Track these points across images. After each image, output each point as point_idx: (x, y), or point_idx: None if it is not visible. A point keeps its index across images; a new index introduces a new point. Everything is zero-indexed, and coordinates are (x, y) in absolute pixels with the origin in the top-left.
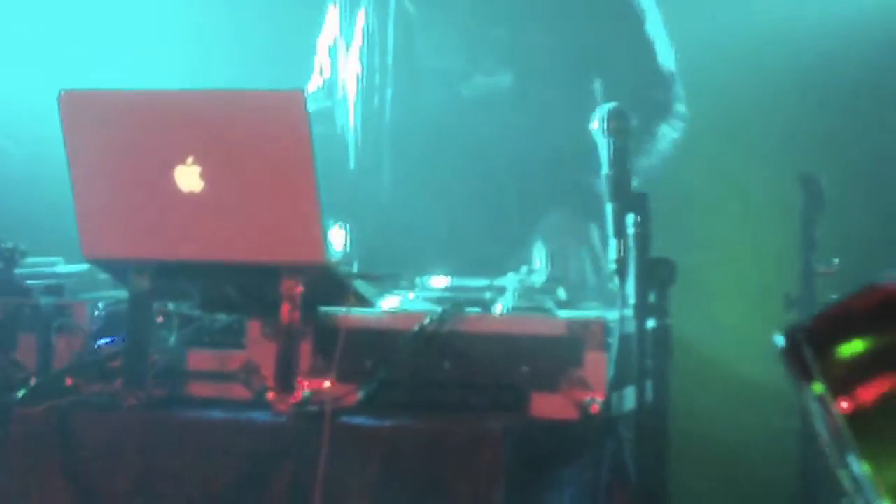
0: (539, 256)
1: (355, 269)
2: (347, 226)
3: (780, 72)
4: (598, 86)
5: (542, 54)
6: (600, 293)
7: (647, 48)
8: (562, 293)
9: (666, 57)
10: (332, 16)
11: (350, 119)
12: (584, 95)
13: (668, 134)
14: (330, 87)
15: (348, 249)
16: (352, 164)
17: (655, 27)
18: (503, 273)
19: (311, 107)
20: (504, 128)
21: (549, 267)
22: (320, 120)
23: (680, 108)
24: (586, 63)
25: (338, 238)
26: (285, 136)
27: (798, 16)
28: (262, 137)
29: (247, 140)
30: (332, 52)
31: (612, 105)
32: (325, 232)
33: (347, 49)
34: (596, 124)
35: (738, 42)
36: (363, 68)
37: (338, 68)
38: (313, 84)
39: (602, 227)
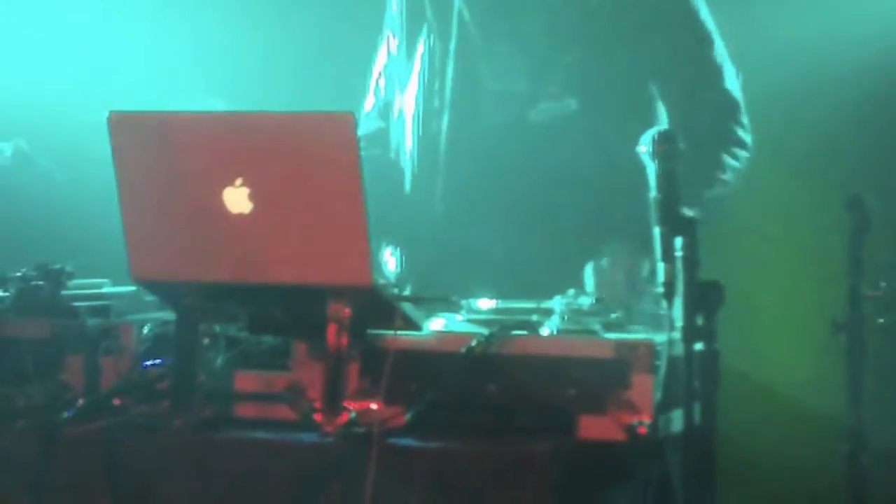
0: (589, 281)
1: (408, 291)
2: (400, 248)
3: (828, 93)
4: (661, 111)
5: (607, 79)
6: (649, 317)
7: (711, 75)
8: (609, 315)
9: (731, 84)
10: (391, 37)
11: (406, 141)
12: (646, 121)
13: (731, 164)
14: (385, 108)
15: (401, 272)
16: (407, 187)
17: (720, 53)
18: (552, 296)
19: (366, 127)
20: (567, 152)
21: (598, 291)
22: (374, 141)
23: (744, 136)
24: (650, 88)
25: (391, 261)
26: (334, 159)
27: (847, 37)
28: (311, 159)
29: (296, 162)
30: (389, 73)
31: (660, 128)
32: (372, 254)
33: (406, 71)
34: (644, 147)
35: (785, 63)
36: (422, 91)
37: (394, 90)
38: (368, 104)
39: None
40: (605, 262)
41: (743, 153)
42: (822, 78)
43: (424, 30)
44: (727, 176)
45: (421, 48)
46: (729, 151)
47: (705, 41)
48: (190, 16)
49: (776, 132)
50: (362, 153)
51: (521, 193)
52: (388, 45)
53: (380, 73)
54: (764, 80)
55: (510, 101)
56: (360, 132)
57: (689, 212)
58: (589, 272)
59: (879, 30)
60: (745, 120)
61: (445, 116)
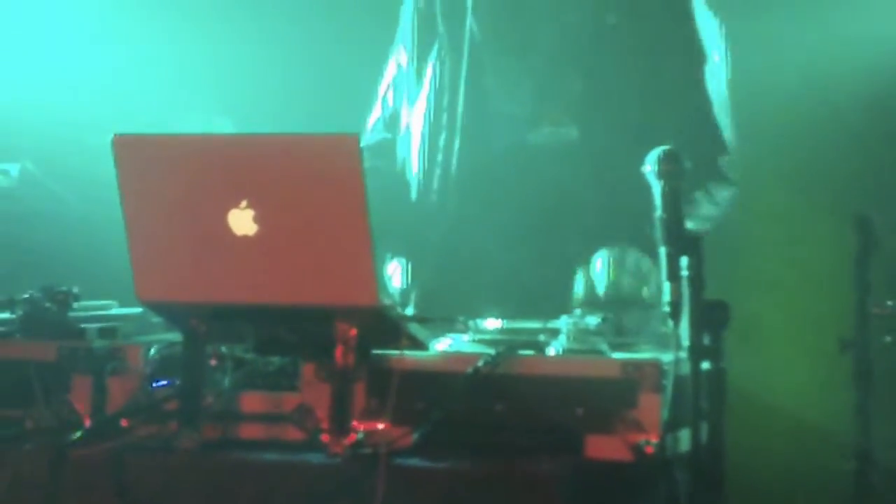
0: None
1: (412, 307)
2: (405, 262)
3: (836, 113)
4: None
5: (610, 108)
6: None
7: (710, 110)
8: (615, 335)
9: (723, 120)
10: (401, 50)
11: (413, 156)
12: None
13: (717, 199)
14: (392, 119)
15: (406, 286)
16: (413, 200)
17: (721, 90)
18: (559, 317)
19: (371, 138)
20: (567, 177)
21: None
22: (379, 152)
23: (730, 174)
24: (652, 121)
25: (395, 274)
26: (339, 180)
27: (855, 57)
28: (315, 181)
29: (300, 184)
30: (397, 85)
31: (664, 148)
32: (378, 275)
33: (415, 85)
34: (649, 167)
35: (793, 83)
36: (432, 107)
37: (402, 102)
38: (374, 116)
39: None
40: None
41: (727, 193)
42: (829, 95)
43: (436, 45)
44: (713, 209)
45: (431, 63)
46: (715, 187)
47: (704, 71)
48: (198, 37)
49: (783, 150)
50: (367, 164)
51: (525, 213)
52: (398, 58)
53: (388, 85)
54: (770, 97)
55: (515, 122)
56: (366, 142)
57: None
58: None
59: (887, 48)
60: (731, 156)
61: (455, 134)
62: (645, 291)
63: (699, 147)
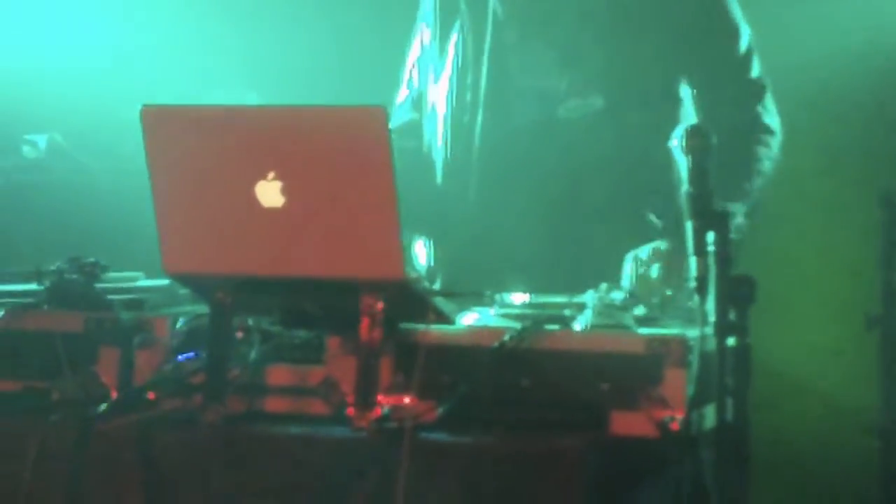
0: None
1: (439, 283)
2: (432, 241)
3: (864, 89)
4: (687, 106)
5: (635, 77)
6: (682, 311)
7: (736, 66)
8: (641, 310)
9: (756, 72)
10: (424, 29)
11: (438, 135)
12: (675, 116)
13: (764, 151)
14: (418, 99)
15: (432, 264)
16: (439, 179)
17: (746, 43)
18: (584, 290)
19: (398, 119)
20: (596, 148)
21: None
22: (407, 133)
23: (770, 122)
24: (678, 83)
25: (422, 252)
26: (366, 153)
27: (884, 33)
28: (342, 153)
29: (327, 156)
30: (422, 66)
31: (691, 123)
32: (405, 248)
33: (439, 64)
34: (675, 142)
35: (822, 59)
36: (455, 85)
37: (427, 82)
38: (401, 96)
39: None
40: (643, 254)
41: (773, 139)
42: (855, 73)
43: (458, 23)
44: (763, 165)
45: (454, 41)
46: (759, 140)
47: (731, 32)
48: (224, 10)
49: (809, 128)
50: (395, 145)
51: (552, 188)
52: (422, 38)
53: (413, 65)
54: (796, 76)
55: (541, 97)
56: (393, 124)
57: (737, 206)
58: (627, 266)
59: None
60: (769, 104)
61: (478, 111)
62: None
63: (733, 105)
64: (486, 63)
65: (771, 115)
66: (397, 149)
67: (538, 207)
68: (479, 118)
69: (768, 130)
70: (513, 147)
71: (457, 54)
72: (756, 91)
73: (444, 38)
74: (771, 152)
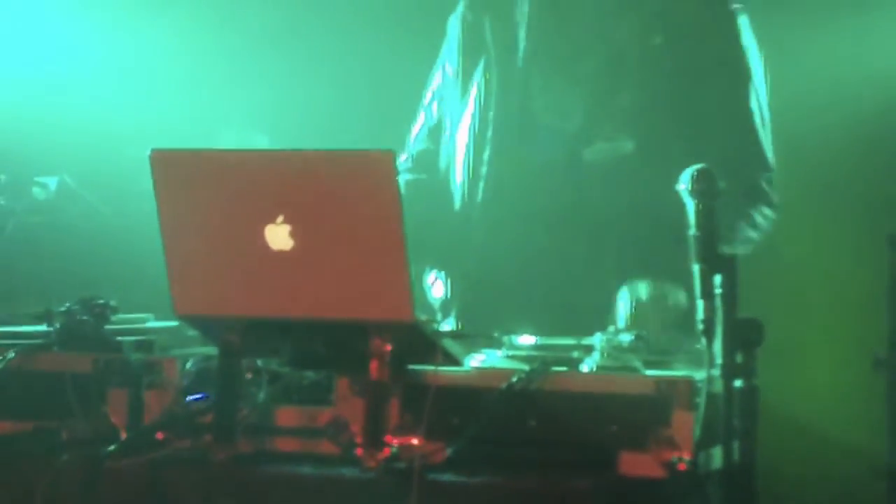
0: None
1: (452, 318)
2: (445, 273)
3: (870, 132)
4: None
5: (664, 123)
6: (688, 354)
7: (751, 128)
8: (649, 352)
9: (766, 140)
10: (447, 64)
11: (457, 168)
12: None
13: (759, 221)
14: (435, 130)
15: (446, 298)
16: (455, 212)
17: (762, 105)
18: (592, 333)
19: (414, 148)
20: (618, 193)
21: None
22: (421, 164)
23: (772, 195)
24: (697, 140)
25: (436, 286)
26: (375, 196)
27: (890, 74)
28: (351, 197)
29: (336, 199)
30: (442, 95)
31: (698, 166)
32: (414, 290)
33: (459, 97)
34: (683, 185)
35: (828, 99)
36: (475, 120)
37: (446, 112)
38: (418, 126)
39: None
40: (641, 291)
41: (770, 213)
42: (865, 114)
43: (482, 58)
44: (754, 233)
45: (478, 76)
46: (757, 208)
47: (749, 90)
48: (234, 52)
49: (817, 170)
50: (409, 176)
51: (567, 230)
52: (445, 69)
53: (432, 95)
54: (804, 116)
55: (563, 137)
56: (409, 153)
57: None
58: (622, 301)
59: None
60: (773, 176)
61: (497, 148)
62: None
63: (743, 166)
64: (509, 100)
65: (773, 190)
66: (411, 180)
67: (553, 248)
68: (498, 154)
69: (768, 202)
70: (531, 186)
71: (479, 90)
72: (763, 158)
73: (467, 72)
74: (764, 222)
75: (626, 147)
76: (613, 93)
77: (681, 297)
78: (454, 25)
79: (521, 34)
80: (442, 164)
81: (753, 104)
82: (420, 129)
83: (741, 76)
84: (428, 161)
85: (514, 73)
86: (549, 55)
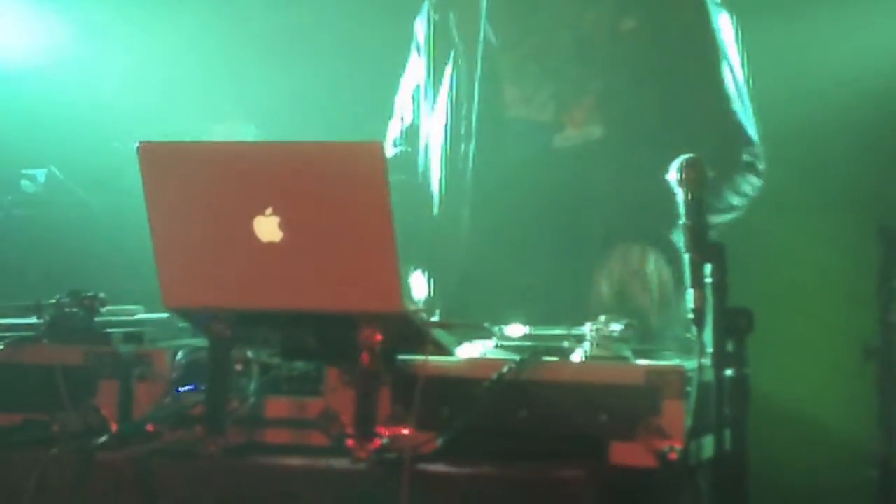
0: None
1: (437, 316)
2: (429, 273)
3: (862, 119)
4: (682, 139)
5: (633, 108)
6: (678, 343)
7: (722, 99)
8: (637, 342)
9: (744, 111)
10: (416, 62)
11: (433, 167)
12: (668, 148)
13: (741, 189)
14: (411, 132)
15: (431, 296)
16: (434, 212)
17: (735, 78)
18: (582, 323)
19: (391, 152)
20: (591, 179)
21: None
22: (400, 166)
23: (755, 162)
24: (671, 116)
25: (420, 285)
26: (363, 187)
27: (885, 61)
28: (340, 188)
29: (325, 191)
30: (416, 98)
31: (688, 156)
32: (403, 281)
33: (432, 97)
34: (673, 175)
35: (821, 89)
36: (449, 117)
37: (420, 115)
38: (393, 129)
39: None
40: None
41: (754, 179)
42: (857, 101)
43: (451, 54)
44: (736, 201)
45: (448, 72)
46: (737, 177)
47: (722, 66)
48: (224, 43)
49: (807, 157)
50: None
51: (548, 220)
52: (415, 71)
53: (406, 97)
54: (796, 103)
55: (536, 128)
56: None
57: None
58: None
59: None
60: (756, 148)
61: (472, 143)
62: (650, 296)
63: (722, 142)
64: (479, 93)
65: (756, 158)
66: (391, 182)
67: (535, 239)
68: (473, 149)
69: (750, 168)
70: (508, 178)
71: (451, 85)
72: (739, 128)
73: (438, 69)
74: (746, 190)
75: (594, 132)
76: (583, 80)
77: (660, 262)
78: (420, 25)
79: (488, 26)
80: (421, 164)
81: (727, 80)
82: (396, 132)
83: (713, 53)
84: (406, 164)
85: (483, 65)
86: (516, 46)
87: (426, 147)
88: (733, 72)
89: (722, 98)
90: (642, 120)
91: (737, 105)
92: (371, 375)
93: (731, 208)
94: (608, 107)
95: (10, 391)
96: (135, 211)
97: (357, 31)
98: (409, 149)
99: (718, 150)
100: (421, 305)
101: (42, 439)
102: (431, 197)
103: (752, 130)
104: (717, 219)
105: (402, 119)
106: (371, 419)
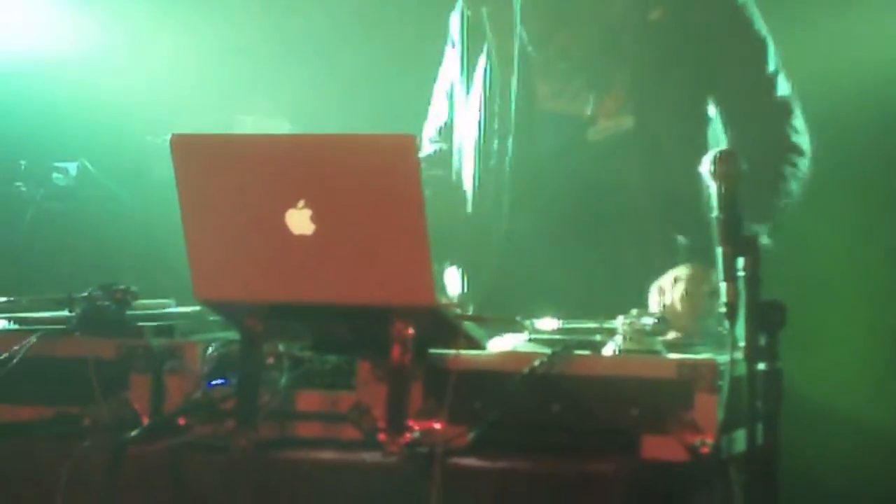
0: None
1: (471, 311)
2: (462, 269)
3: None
4: (714, 124)
5: (663, 97)
6: (712, 336)
7: (763, 84)
8: (672, 335)
9: (784, 90)
10: (451, 59)
11: (467, 163)
12: (705, 136)
13: (790, 171)
14: (446, 130)
15: (465, 292)
16: (469, 208)
17: (773, 62)
18: (615, 316)
19: (427, 149)
20: (626, 171)
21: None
22: (436, 162)
23: (799, 141)
24: (706, 102)
25: (454, 281)
26: (396, 180)
27: None
28: (372, 181)
29: (357, 184)
30: (450, 95)
31: (721, 148)
32: (435, 275)
33: (466, 93)
34: (706, 167)
35: (857, 85)
36: (483, 112)
37: (454, 112)
38: (430, 126)
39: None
40: (665, 281)
41: (801, 159)
42: (889, 95)
43: (485, 51)
44: (789, 185)
45: (481, 69)
46: (787, 159)
47: (758, 49)
48: (256, 38)
49: (841, 151)
50: (424, 174)
51: (584, 213)
52: (449, 67)
53: (441, 95)
54: (832, 99)
55: (569, 121)
56: (422, 154)
57: (762, 226)
58: (651, 297)
59: None
60: (798, 124)
61: (507, 138)
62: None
63: (766, 122)
64: (512, 89)
65: (800, 135)
66: (426, 178)
67: (570, 233)
68: (509, 145)
69: (796, 150)
70: (543, 173)
71: (484, 81)
72: (784, 110)
73: (471, 65)
74: (798, 172)
75: (626, 123)
76: (613, 71)
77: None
78: (455, 21)
79: (521, 26)
80: (455, 161)
81: (763, 59)
82: (431, 130)
83: (745, 32)
84: (441, 160)
85: (516, 61)
86: (546, 40)
87: (460, 145)
88: (768, 51)
89: (762, 81)
90: (675, 108)
91: (779, 86)
92: (403, 369)
93: (787, 192)
94: (639, 97)
95: (42, 384)
96: (166, 204)
97: (391, 25)
98: (446, 146)
99: (764, 134)
100: (454, 300)
101: (74, 432)
102: (465, 193)
103: (793, 106)
104: (776, 203)
105: (438, 116)
106: (403, 413)
